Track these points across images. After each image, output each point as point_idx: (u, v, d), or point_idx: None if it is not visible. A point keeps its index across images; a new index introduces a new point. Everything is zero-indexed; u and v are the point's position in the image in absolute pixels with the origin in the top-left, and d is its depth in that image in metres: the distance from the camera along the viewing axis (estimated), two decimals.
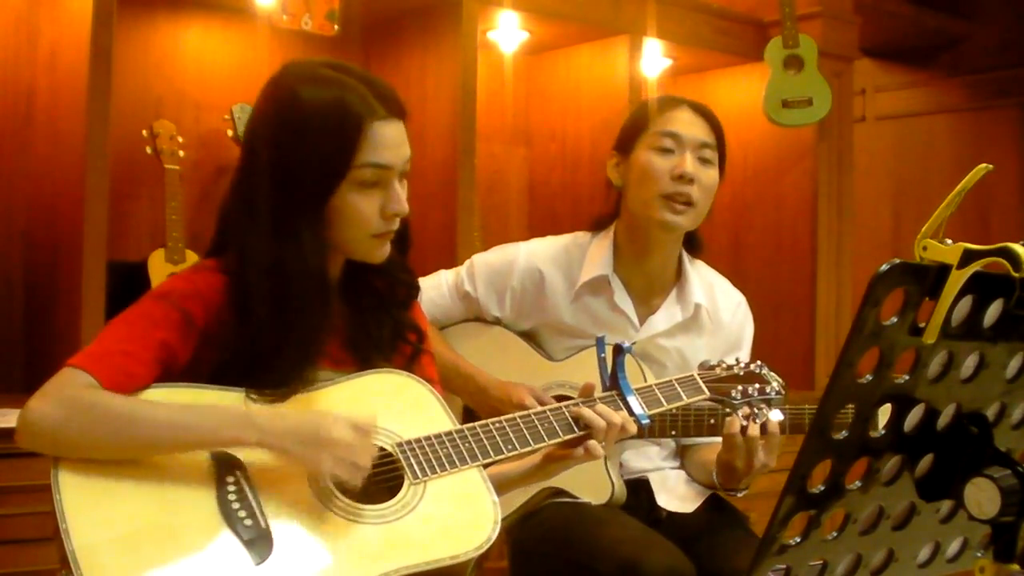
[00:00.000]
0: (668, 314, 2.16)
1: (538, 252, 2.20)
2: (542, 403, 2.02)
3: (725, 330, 2.21)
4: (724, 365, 1.88)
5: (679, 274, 2.19)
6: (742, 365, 1.89)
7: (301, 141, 1.51)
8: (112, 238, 2.68)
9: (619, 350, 1.71)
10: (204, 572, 1.34)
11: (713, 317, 2.19)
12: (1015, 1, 4.66)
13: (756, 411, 1.86)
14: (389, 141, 1.54)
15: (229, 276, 1.53)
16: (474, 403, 2.10)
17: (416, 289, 1.74)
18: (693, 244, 2.22)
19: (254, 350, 1.50)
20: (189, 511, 1.38)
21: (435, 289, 2.21)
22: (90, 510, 1.35)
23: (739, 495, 2.07)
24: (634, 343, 2.11)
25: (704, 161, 2.10)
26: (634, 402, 1.69)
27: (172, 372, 1.49)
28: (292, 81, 1.56)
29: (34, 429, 1.38)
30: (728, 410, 1.88)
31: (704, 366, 1.90)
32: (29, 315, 2.81)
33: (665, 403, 1.76)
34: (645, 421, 1.68)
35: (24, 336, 2.81)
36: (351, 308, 1.65)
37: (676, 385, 1.79)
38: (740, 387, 1.85)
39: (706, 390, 1.82)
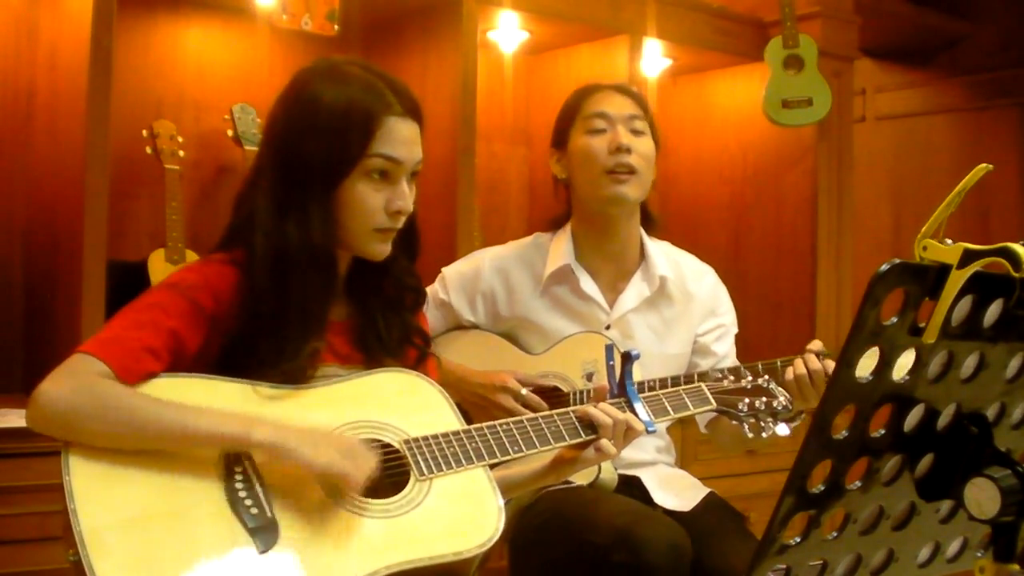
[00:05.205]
0: (636, 291, 2.25)
1: (502, 255, 2.31)
2: (525, 383, 2.11)
3: (696, 299, 2.29)
4: (731, 378, 1.90)
5: (643, 254, 2.27)
6: (750, 379, 1.92)
7: (318, 126, 1.54)
8: (112, 238, 2.67)
9: (627, 358, 1.74)
10: (209, 558, 1.36)
11: (681, 288, 2.27)
12: (1015, 1, 4.65)
13: (763, 424, 1.88)
14: (403, 137, 1.58)
15: (239, 267, 1.55)
16: (457, 394, 2.11)
17: (423, 296, 1.76)
18: (648, 221, 2.31)
19: (258, 324, 1.51)
20: (196, 498, 1.40)
21: None
22: (98, 492, 1.37)
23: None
24: (608, 326, 2.20)
25: (636, 132, 2.22)
26: (640, 409, 1.72)
27: (182, 361, 1.50)
28: (314, 76, 1.60)
29: (46, 411, 1.40)
30: (735, 421, 1.89)
31: (711, 377, 1.93)
32: (29, 315, 2.80)
33: (672, 412, 1.79)
34: (652, 428, 1.71)
35: (24, 336, 2.80)
36: (359, 307, 1.67)
37: (683, 395, 1.82)
38: (747, 400, 1.87)
39: (712, 401, 1.85)
